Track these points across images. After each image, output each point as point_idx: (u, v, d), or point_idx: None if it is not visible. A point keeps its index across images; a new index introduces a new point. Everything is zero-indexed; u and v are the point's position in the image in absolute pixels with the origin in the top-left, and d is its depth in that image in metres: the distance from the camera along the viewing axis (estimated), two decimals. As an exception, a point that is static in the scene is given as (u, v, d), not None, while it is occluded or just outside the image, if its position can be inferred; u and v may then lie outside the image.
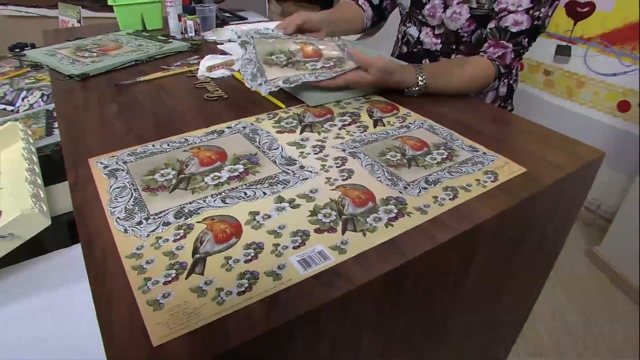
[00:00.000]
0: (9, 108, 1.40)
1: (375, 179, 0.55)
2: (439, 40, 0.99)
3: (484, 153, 0.63)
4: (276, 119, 0.70)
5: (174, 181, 0.53)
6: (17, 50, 1.51)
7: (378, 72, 0.76)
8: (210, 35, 1.15)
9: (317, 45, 0.86)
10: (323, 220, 0.47)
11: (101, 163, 0.57)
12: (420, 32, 1.02)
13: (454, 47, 0.98)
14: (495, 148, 0.64)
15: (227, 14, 1.43)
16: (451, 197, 0.52)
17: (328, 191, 0.52)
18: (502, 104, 1.06)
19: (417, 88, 0.80)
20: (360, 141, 0.64)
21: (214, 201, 0.50)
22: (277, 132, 0.66)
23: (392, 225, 0.47)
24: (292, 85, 0.73)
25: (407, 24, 1.06)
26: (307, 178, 0.54)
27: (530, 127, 0.74)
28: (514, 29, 0.85)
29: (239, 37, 0.82)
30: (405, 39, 1.08)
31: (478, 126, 0.71)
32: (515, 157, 0.61)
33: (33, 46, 1.49)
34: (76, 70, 0.86)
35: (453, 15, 0.92)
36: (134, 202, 0.49)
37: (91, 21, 2.18)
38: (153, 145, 0.61)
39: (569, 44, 1.78)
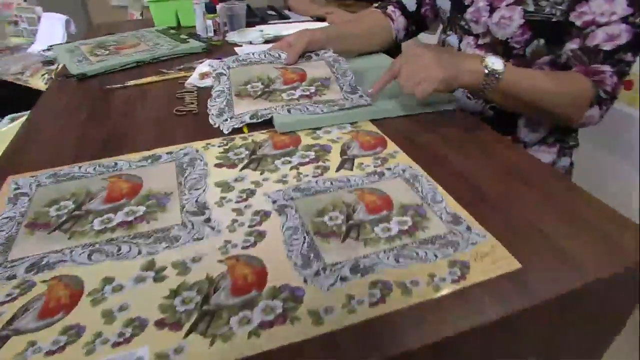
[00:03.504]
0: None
1: (285, 254, 0.41)
2: (482, 52, 0.78)
3: (468, 227, 0.45)
4: (227, 146, 0.60)
5: (63, 219, 0.46)
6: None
7: (411, 51, 0.64)
8: (232, 36, 1.07)
9: (302, 66, 0.75)
10: (177, 308, 0.36)
11: (16, 183, 0.53)
12: (460, 41, 0.82)
13: None
14: (491, 222, 0.45)
15: (271, 12, 1.34)
16: (374, 301, 0.37)
17: (213, 263, 0.40)
18: (562, 139, 0.81)
19: (487, 75, 0.60)
20: (305, 190, 0.50)
21: (79, 254, 0.41)
22: (216, 165, 0.55)
23: (256, 336, 0.33)
24: (260, 120, 0.64)
25: (448, 32, 0.86)
26: (201, 238, 0.43)
27: (570, 195, 0.51)
28: (607, 47, 0.62)
29: (214, 69, 0.74)
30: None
31: (486, 183, 0.52)
32: (514, 242, 0.43)
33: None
34: (78, 69, 0.86)
35: (501, 21, 0.72)
36: (4, 240, 0.44)
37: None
38: (79, 168, 0.55)
39: None
